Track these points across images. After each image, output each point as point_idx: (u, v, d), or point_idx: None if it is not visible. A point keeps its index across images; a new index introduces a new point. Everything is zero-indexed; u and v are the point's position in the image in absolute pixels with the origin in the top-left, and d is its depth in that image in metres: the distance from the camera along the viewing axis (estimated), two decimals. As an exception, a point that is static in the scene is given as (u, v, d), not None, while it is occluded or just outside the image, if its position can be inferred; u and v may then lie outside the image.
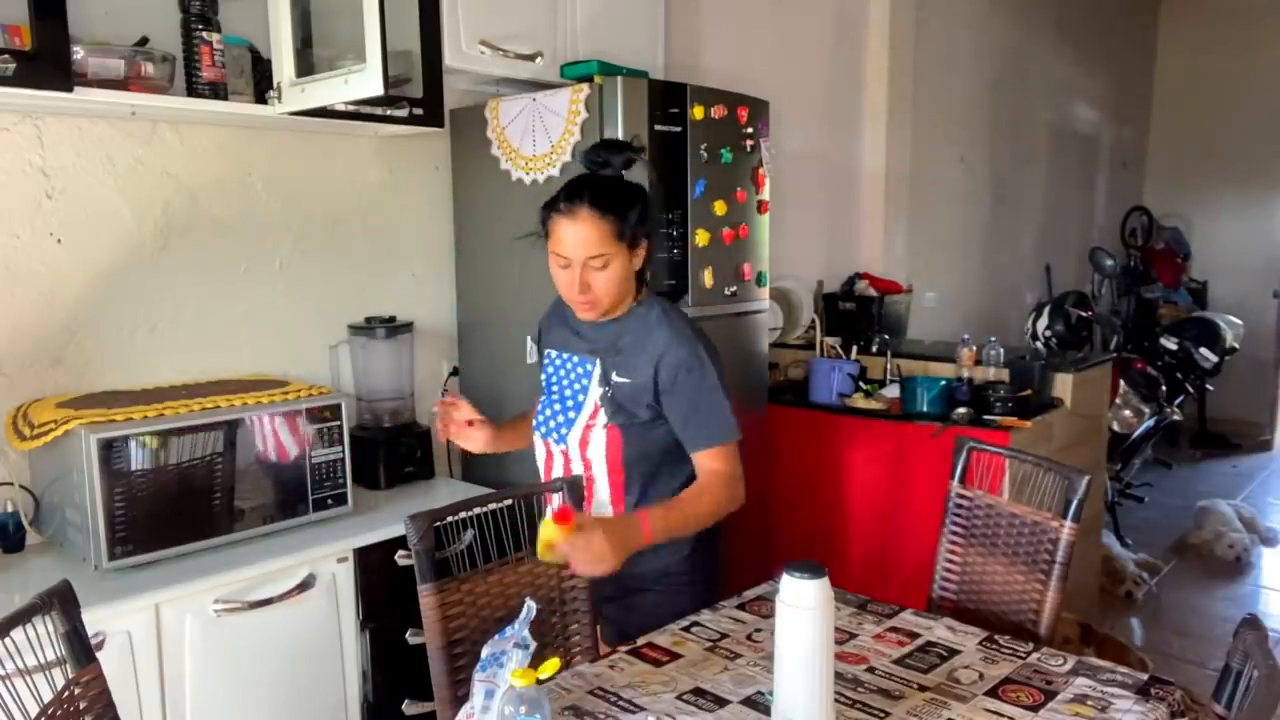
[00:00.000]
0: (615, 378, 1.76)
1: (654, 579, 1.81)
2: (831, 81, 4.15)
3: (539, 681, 1.18)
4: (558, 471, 1.86)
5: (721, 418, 1.75)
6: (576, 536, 1.49)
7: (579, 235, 1.67)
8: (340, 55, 2.01)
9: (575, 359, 1.84)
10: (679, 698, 1.46)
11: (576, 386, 1.82)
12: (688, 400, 1.73)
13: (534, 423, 1.90)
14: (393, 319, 2.52)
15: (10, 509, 1.92)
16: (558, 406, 1.85)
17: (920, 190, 4.58)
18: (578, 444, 1.82)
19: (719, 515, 1.76)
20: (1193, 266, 7.22)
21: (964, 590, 2.02)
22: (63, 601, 1.20)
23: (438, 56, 2.28)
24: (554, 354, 1.89)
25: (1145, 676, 1.51)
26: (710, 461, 1.75)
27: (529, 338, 2.49)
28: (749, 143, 2.60)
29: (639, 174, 1.82)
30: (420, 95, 2.27)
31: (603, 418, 1.78)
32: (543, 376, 1.91)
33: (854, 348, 3.46)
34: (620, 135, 2.25)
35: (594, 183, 1.71)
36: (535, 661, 1.22)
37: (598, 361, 1.79)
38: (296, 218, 2.42)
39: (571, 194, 1.69)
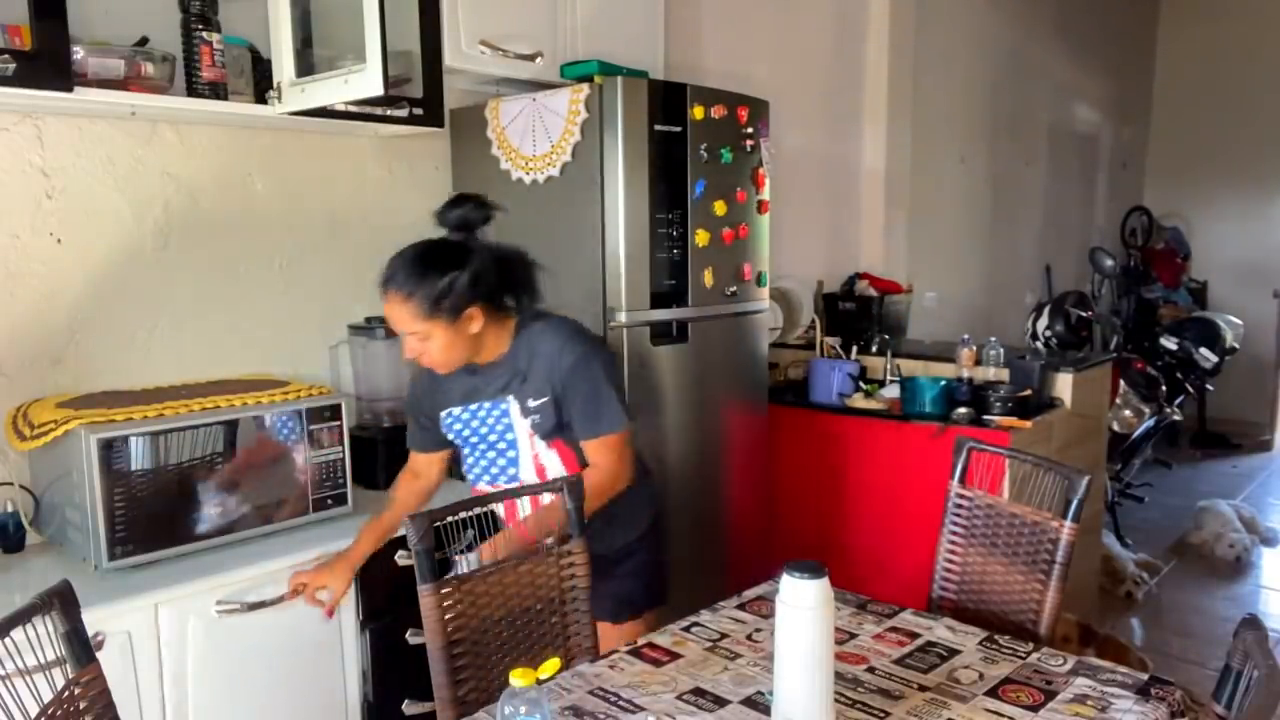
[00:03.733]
0: (531, 404, 1.83)
1: (620, 557, 1.96)
2: (831, 81, 4.15)
3: (539, 681, 1.18)
4: (525, 507, 1.88)
5: (609, 409, 1.84)
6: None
7: (392, 315, 1.75)
8: (340, 55, 2.01)
9: (486, 405, 1.87)
10: (679, 698, 1.46)
11: (500, 428, 1.87)
12: (580, 396, 1.82)
13: (471, 476, 1.94)
14: (393, 319, 2.51)
15: (10, 509, 1.92)
16: (492, 454, 1.90)
17: (920, 190, 4.57)
18: (535, 474, 1.89)
19: (601, 501, 1.86)
20: (1193, 266, 7.22)
21: (964, 590, 2.02)
22: (63, 601, 1.20)
23: (438, 56, 2.28)
24: (457, 411, 1.90)
25: (1145, 676, 1.51)
26: (594, 453, 1.85)
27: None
28: (749, 143, 2.60)
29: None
30: (420, 95, 2.27)
31: (540, 444, 1.86)
32: (451, 436, 1.93)
33: (854, 348, 3.46)
34: (620, 134, 2.25)
35: (405, 262, 1.74)
36: (535, 661, 1.22)
37: (510, 398, 1.85)
38: (296, 218, 2.42)
39: (385, 274, 1.74)
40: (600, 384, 1.82)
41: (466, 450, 1.94)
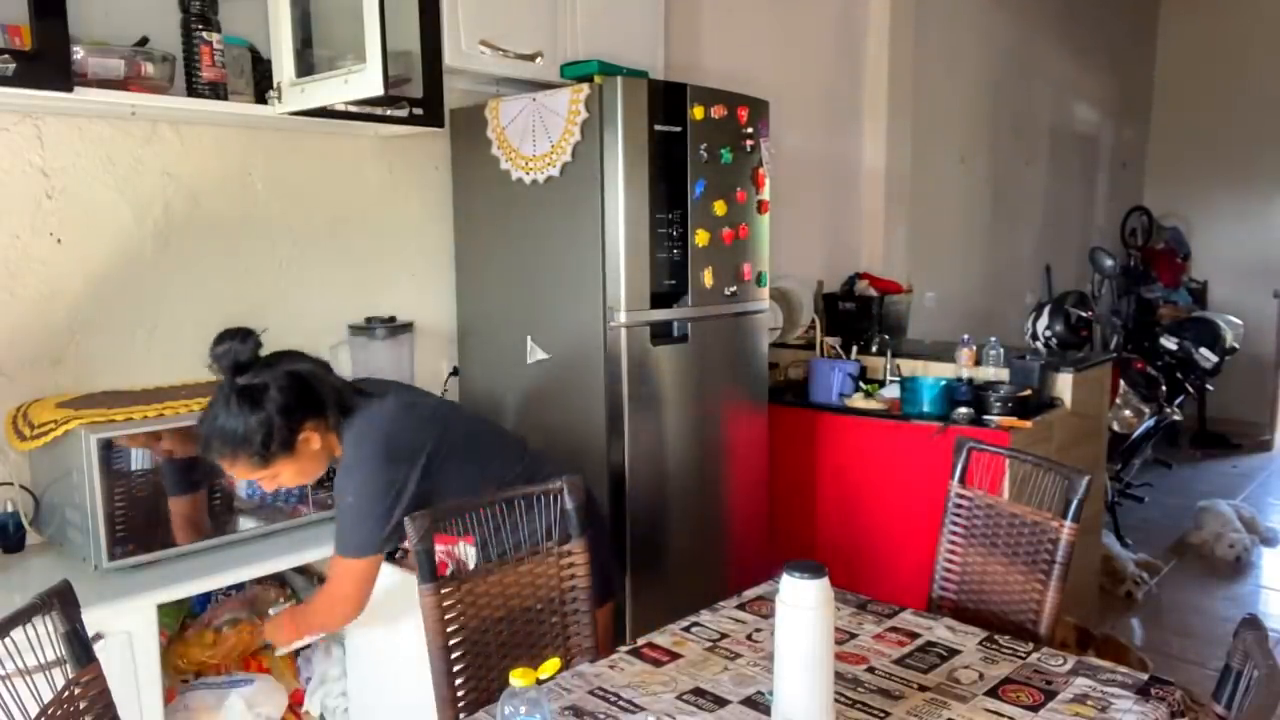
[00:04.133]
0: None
1: None
2: (831, 81, 4.15)
3: (539, 681, 1.18)
4: None
5: (351, 529, 1.74)
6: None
7: (232, 473, 1.75)
8: (340, 55, 2.01)
9: None
10: (679, 698, 1.46)
11: None
12: (337, 507, 1.77)
13: None
14: (393, 319, 2.52)
15: (10, 509, 1.92)
16: None
17: (920, 190, 4.57)
18: None
19: (313, 629, 1.86)
20: (1193, 266, 7.22)
21: (964, 590, 2.02)
22: (63, 601, 1.20)
23: (438, 56, 2.28)
24: None
25: (1145, 676, 1.51)
26: (329, 570, 1.82)
27: (528, 337, 2.49)
28: (749, 143, 2.60)
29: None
30: (420, 95, 2.27)
31: None
32: None
33: (854, 348, 3.46)
34: (620, 134, 2.25)
35: (213, 430, 1.67)
36: (535, 662, 1.22)
37: None
38: (296, 218, 2.42)
39: (200, 446, 1.71)
40: (354, 498, 1.73)
41: None
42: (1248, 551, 4.35)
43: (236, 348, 1.69)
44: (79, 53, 1.80)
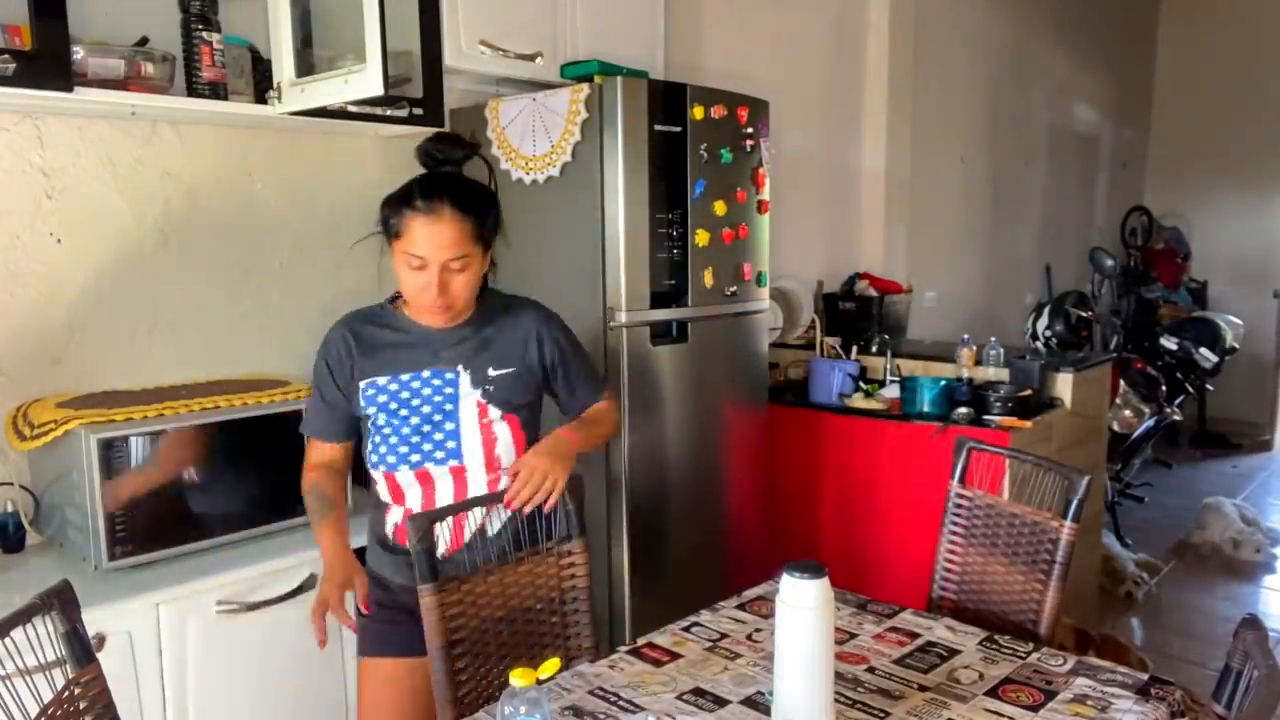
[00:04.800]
0: (493, 372, 1.71)
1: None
2: (831, 81, 4.15)
3: (539, 681, 1.18)
4: (445, 494, 1.72)
5: (597, 370, 1.93)
6: (520, 474, 1.65)
7: (442, 236, 1.58)
8: (340, 55, 2.01)
9: (426, 374, 1.69)
10: (679, 698, 1.46)
11: (439, 399, 1.69)
12: (574, 366, 1.83)
13: (386, 457, 1.72)
14: (393, 319, 2.52)
15: (10, 509, 1.92)
16: (426, 429, 1.69)
17: (920, 190, 4.58)
18: (481, 450, 1.72)
19: (610, 437, 2.02)
20: (1193, 266, 7.22)
21: (964, 590, 2.02)
22: (63, 601, 1.20)
23: (438, 56, 2.28)
24: (384, 381, 1.69)
25: (1145, 676, 1.51)
26: (600, 405, 1.88)
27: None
28: (749, 143, 2.60)
29: (479, 174, 1.81)
30: (420, 95, 2.27)
31: (495, 413, 1.72)
32: (367, 411, 1.70)
33: (854, 348, 3.46)
34: (620, 134, 2.25)
35: (450, 180, 1.64)
36: (535, 662, 1.22)
37: (460, 368, 1.70)
38: (296, 218, 2.42)
39: (431, 191, 1.60)
40: (584, 349, 1.88)
41: (386, 428, 1.70)
42: (1261, 551, 4.33)
43: (455, 153, 1.71)
44: (79, 53, 1.80)
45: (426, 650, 1.61)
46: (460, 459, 1.72)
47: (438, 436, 1.70)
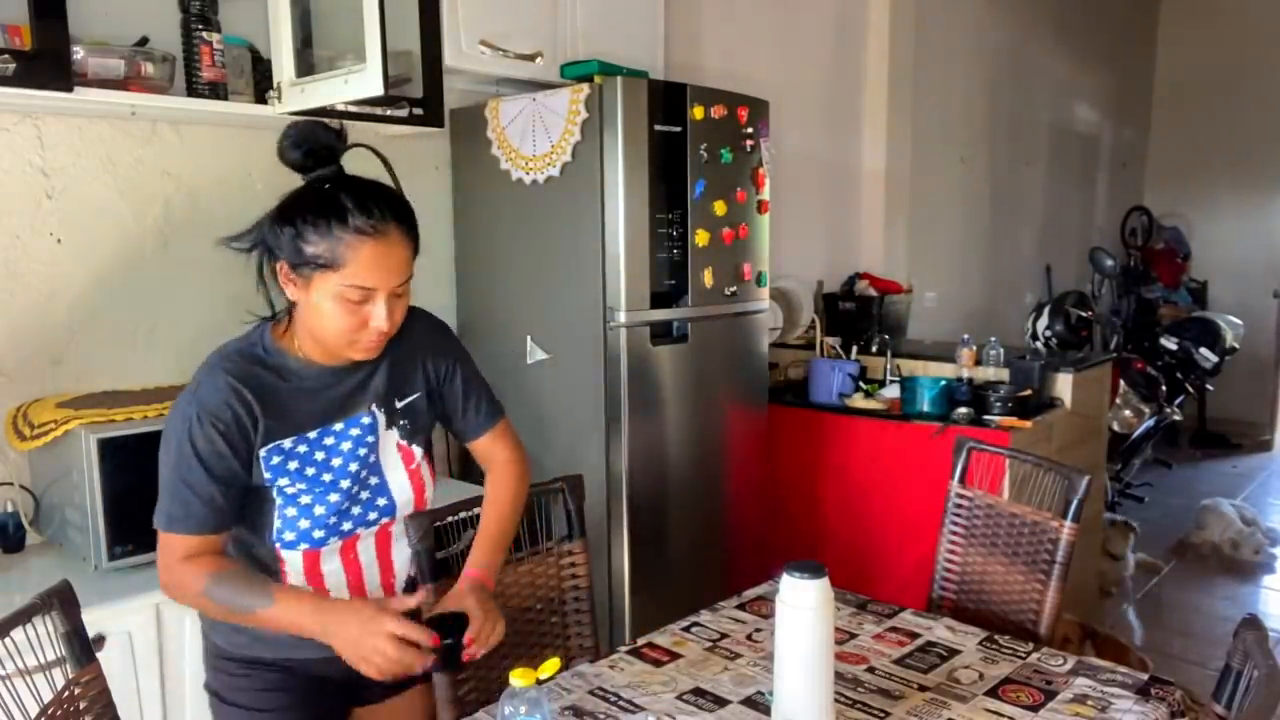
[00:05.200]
0: (399, 403, 1.46)
1: None
2: (831, 81, 4.15)
3: (539, 681, 1.18)
4: (369, 560, 1.47)
5: (490, 390, 1.58)
6: (497, 628, 1.37)
7: (391, 259, 1.31)
8: (340, 55, 2.01)
9: (339, 428, 1.40)
10: (679, 698, 1.46)
11: (363, 451, 1.41)
12: (473, 381, 1.55)
13: (316, 536, 1.39)
14: (393, 319, 2.51)
15: (10, 509, 1.92)
16: (355, 489, 1.41)
17: (920, 190, 4.58)
18: (413, 501, 1.49)
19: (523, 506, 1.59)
20: (1193, 266, 7.22)
21: (964, 590, 2.02)
22: (63, 601, 1.19)
23: (438, 56, 2.28)
24: (290, 444, 1.36)
25: (1145, 676, 1.51)
26: (498, 442, 1.58)
27: (528, 337, 2.49)
28: (749, 143, 2.60)
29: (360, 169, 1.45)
30: (420, 95, 2.27)
31: (418, 451, 1.49)
32: (284, 480, 1.36)
33: (854, 348, 3.46)
34: (620, 134, 2.25)
35: (374, 188, 1.35)
36: (535, 662, 1.22)
37: (374, 407, 1.43)
38: (296, 218, 2.41)
39: (368, 205, 1.30)
40: (475, 365, 1.58)
41: (303, 498, 1.37)
42: (1259, 552, 4.33)
43: (339, 147, 1.39)
44: (79, 53, 1.80)
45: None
46: (393, 514, 1.47)
47: (364, 496, 1.43)
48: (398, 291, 1.35)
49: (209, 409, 1.30)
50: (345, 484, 1.40)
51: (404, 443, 1.47)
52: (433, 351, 1.51)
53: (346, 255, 1.28)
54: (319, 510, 1.38)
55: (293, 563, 1.41)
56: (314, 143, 1.35)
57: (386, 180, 1.43)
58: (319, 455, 1.38)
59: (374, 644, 1.25)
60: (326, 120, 1.41)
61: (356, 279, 1.29)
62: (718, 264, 2.54)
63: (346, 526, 1.42)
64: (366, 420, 1.42)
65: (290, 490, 1.37)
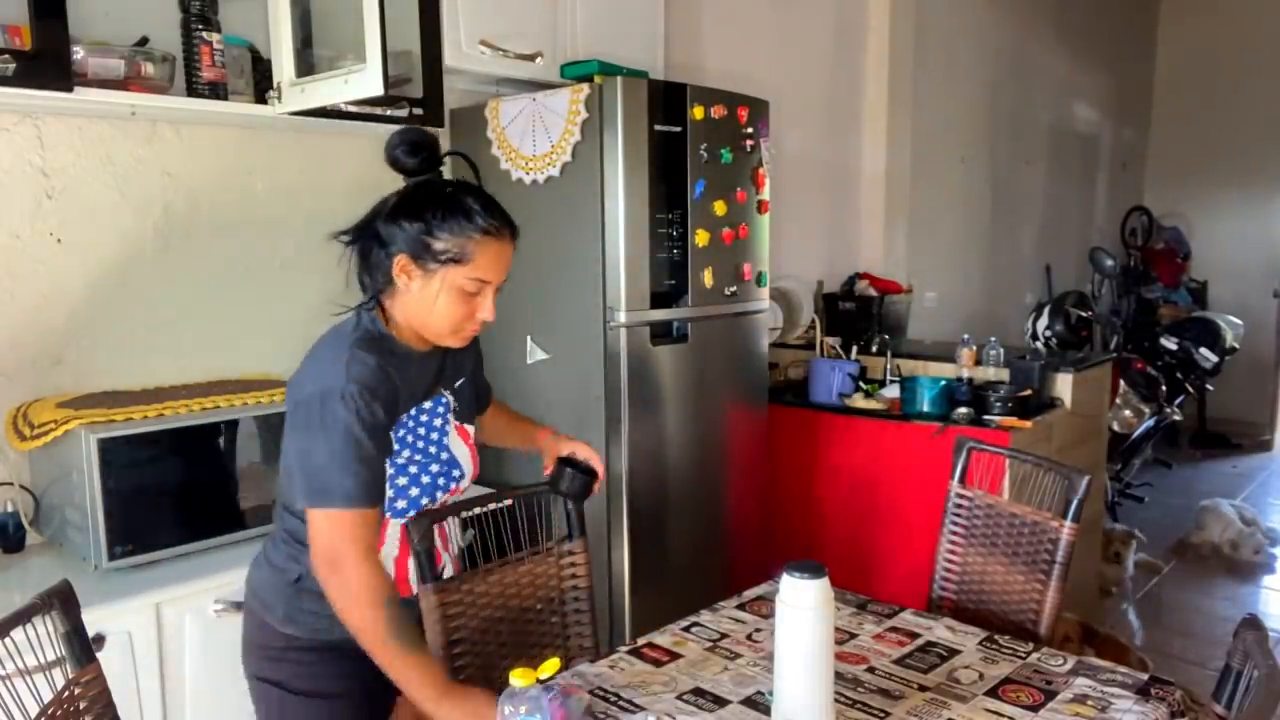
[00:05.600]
0: (455, 386, 1.59)
1: None
2: (831, 81, 4.15)
3: (539, 681, 1.18)
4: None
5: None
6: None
7: (505, 257, 1.48)
8: (340, 55, 2.01)
9: (429, 405, 1.53)
10: (679, 698, 1.46)
11: (439, 424, 1.54)
12: (479, 368, 1.73)
13: (421, 502, 1.52)
14: (393, 319, 2.52)
15: (10, 509, 1.92)
16: (434, 467, 1.52)
17: (920, 190, 4.58)
18: (473, 470, 1.62)
19: None
20: (1193, 266, 7.22)
21: (964, 590, 2.02)
22: (63, 601, 1.19)
23: (438, 56, 2.28)
24: (406, 417, 1.48)
25: (1145, 676, 1.51)
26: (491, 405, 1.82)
27: (528, 337, 2.49)
28: (749, 143, 2.60)
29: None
30: (420, 95, 2.27)
31: (469, 429, 1.62)
32: (405, 453, 1.48)
33: (854, 348, 3.46)
34: (620, 134, 2.25)
35: (483, 192, 1.51)
36: (535, 662, 1.22)
37: (444, 390, 1.56)
38: (297, 218, 2.42)
39: (492, 210, 1.47)
40: None
41: (412, 467, 1.50)
42: (1260, 552, 4.33)
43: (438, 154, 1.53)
44: (79, 53, 1.80)
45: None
46: (462, 482, 1.59)
47: (448, 466, 1.55)
48: (499, 288, 1.51)
49: (368, 385, 1.38)
50: (442, 454, 1.53)
51: (458, 422, 1.59)
52: (473, 344, 1.65)
53: (474, 252, 1.43)
54: (425, 479, 1.51)
55: (392, 530, 1.51)
56: (428, 148, 1.48)
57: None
58: (421, 429, 1.50)
59: None
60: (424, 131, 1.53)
61: (478, 273, 1.44)
62: (718, 264, 2.54)
63: (438, 494, 1.54)
64: (444, 398, 1.56)
65: (401, 460, 1.47)
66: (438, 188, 1.47)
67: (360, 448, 1.36)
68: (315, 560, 1.36)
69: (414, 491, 1.50)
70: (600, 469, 1.71)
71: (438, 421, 1.53)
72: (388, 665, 1.33)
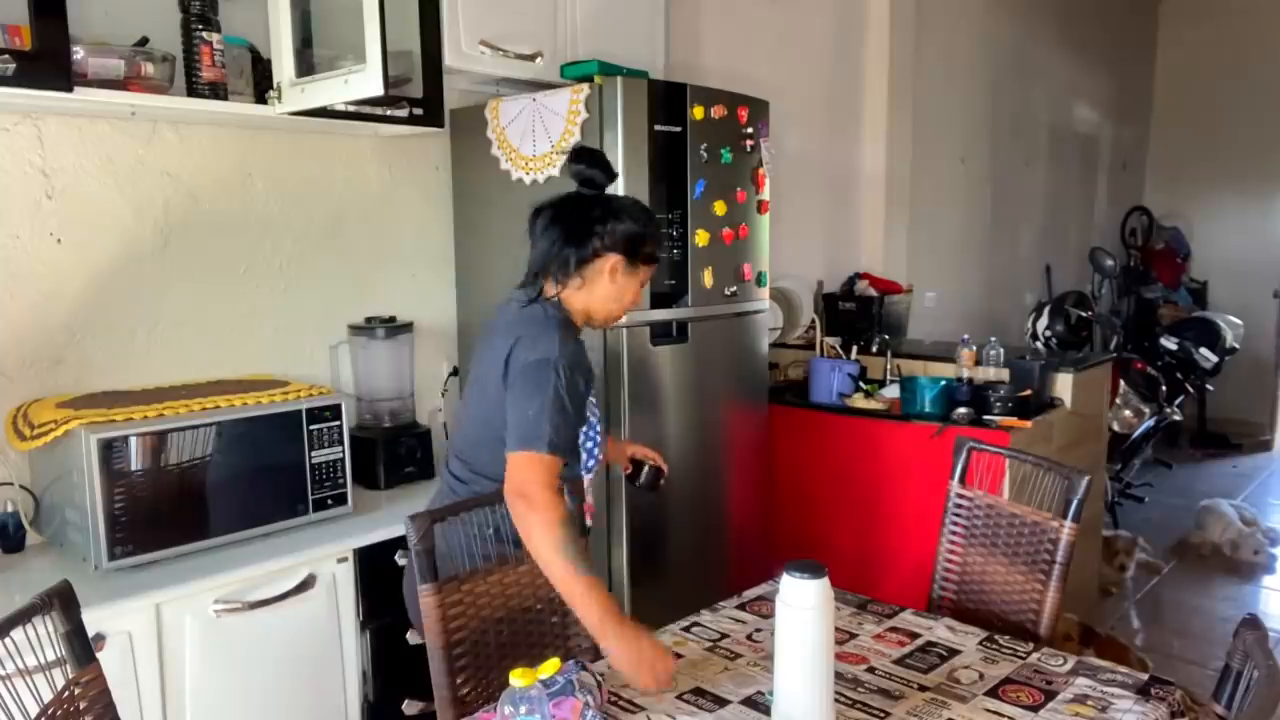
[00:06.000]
0: None
1: None
2: (831, 82, 4.15)
3: (540, 681, 1.18)
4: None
5: None
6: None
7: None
8: (340, 55, 2.01)
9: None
10: (679, 698, 1.46)
11: (594, 400, 1.83)
12: None
13: (591, 464, 1.84)
14: (393, 319, 2.52)
15: (10, 509, 1.92)
16: (593, 434, 1.83)
17: (920, 190, 4.58)
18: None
19: None
20: (1193, 266, 7.22)
21: (964, 590, 2.02)
22: (63, 601, 1.20)
23: (438, 56, 2.29)
24: (592, 392, 1.80)
25: (1145, 676, 1.51)
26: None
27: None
28: (749, 143, 2.60)
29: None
30: (420, 95, 2.27)
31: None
32: (593, 419, 1.81)
33: (854, 348, 3.46)
34: (620, 135, 2.25)
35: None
36: (535, 662, 1.22)
37: None
38: (296, 218, 2.42)
39: (655, 224, 1.84)
40: None
41: (594, 433, 1.82)
42: (1261, 553, 4.33)
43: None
44: (79, 53, 1.80)
45: None
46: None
47: (596, 439, 1.84)
48: None
49: (574, 360, 1.69)
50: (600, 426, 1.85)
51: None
52: None
53: (655, 252, 1.82)
54: (598, 452, 1.84)
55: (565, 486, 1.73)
56: (612, 169, 1.81)
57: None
58: (591, 400, 1.78)
59: (664, 663, 1.48)
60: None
61: (651, 269, 1.82)
62: (718, 264, 2.54)
63: (590, 460, 1.83)
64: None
65: (589, 430, 1.80)
66: (634, 202, 1.82)
67: (562, 408, 1.63)
68: (509, 493, 1.61)
69: (599, 453, 1.85)
70: (664, 464, 2.08)
71: (590, 409, 1.80)
72: (561, 579, 1.54)
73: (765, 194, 2.69)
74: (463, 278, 2.72)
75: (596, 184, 1.77)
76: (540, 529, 1.55)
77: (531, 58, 2.49)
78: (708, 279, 2.51)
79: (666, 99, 2.37)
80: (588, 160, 1.77)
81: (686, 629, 1.71)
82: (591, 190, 1.78)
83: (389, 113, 2.21)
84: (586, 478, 1.84)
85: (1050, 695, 1.45)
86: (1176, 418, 5.16)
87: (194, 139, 2.21)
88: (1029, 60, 5.62)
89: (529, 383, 1.64)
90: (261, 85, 2.11)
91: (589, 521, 1.89)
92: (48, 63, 1.71)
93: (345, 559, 2.01)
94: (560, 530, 1.54)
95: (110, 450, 1.76)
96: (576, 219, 1.75)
